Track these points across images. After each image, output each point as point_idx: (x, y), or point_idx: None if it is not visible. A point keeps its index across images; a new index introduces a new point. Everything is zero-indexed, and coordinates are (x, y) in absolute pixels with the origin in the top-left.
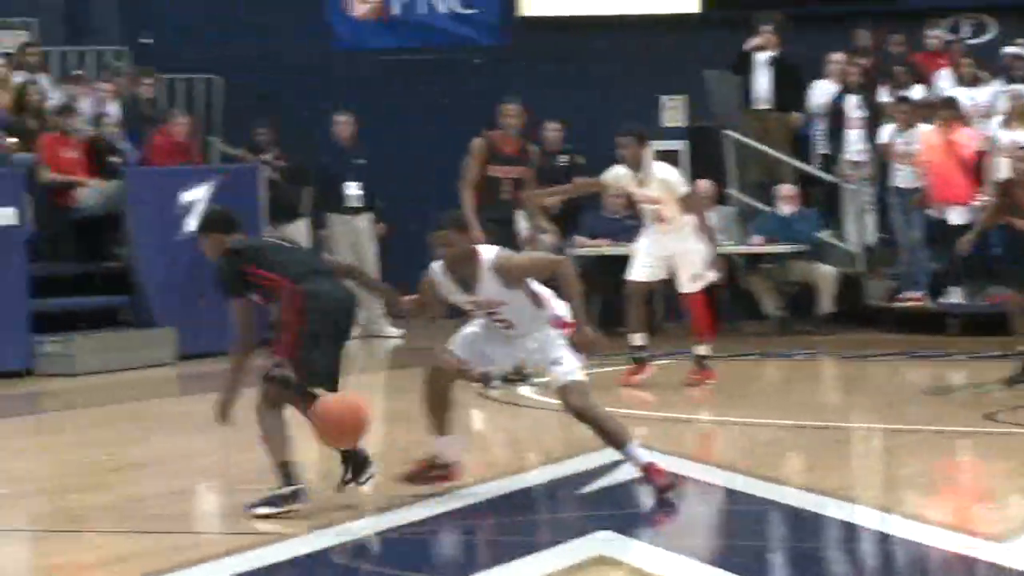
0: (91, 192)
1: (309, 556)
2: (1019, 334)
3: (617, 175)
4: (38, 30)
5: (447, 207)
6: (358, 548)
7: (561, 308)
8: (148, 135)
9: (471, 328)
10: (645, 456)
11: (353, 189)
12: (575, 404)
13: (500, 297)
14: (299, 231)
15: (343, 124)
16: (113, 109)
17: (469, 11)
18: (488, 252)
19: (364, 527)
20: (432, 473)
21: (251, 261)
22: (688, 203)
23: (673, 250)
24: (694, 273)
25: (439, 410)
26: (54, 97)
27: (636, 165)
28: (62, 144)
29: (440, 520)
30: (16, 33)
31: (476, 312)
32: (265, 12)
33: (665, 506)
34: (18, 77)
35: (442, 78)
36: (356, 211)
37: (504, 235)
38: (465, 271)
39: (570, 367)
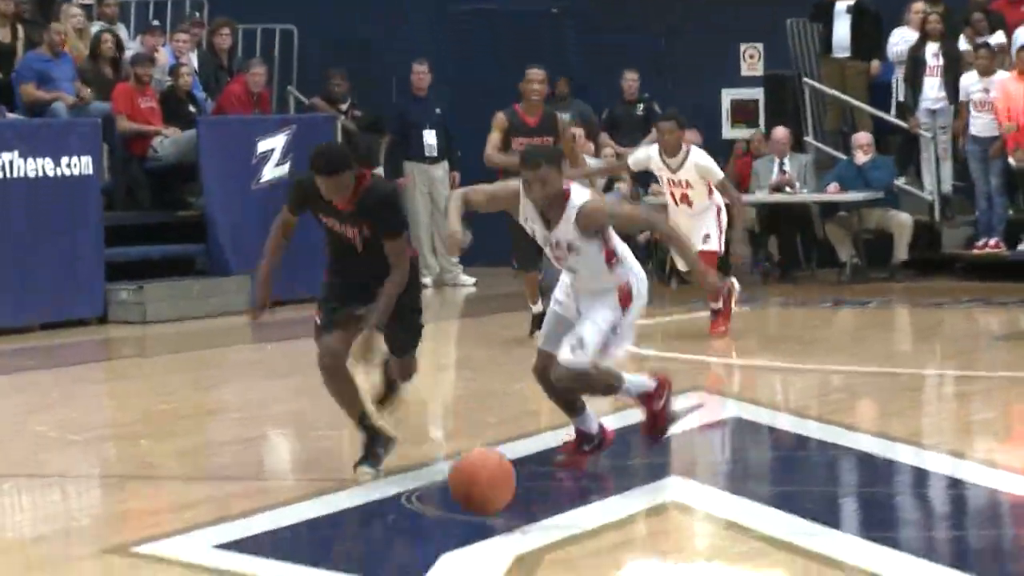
0: (167, 141)
1: (379, 502)
2: None
3: (646, 157)
4: None
5: None
6: (429, 494)
7: (635, 278)
8: (224, 85)
9: (551, 311)
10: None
11: (430, 138)
12: (556, 375)
13: (575, 242)
14: None
15: (420, 73)
16: (190, 59)
17: None
18: (579, 195)
19: (436, 473)
20: (586, 449)
21: None
22: (722, 188)
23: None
24: (704, 235)
25: (563, 399)
26: (131, 47)
27: (675, 150)
28: (138, 94)
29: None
30: None
31: (545, 247)
32: None
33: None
34: (95, 27)
35: (518, 27)
36: (433, 160)
37: None
38: (551, 208)
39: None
